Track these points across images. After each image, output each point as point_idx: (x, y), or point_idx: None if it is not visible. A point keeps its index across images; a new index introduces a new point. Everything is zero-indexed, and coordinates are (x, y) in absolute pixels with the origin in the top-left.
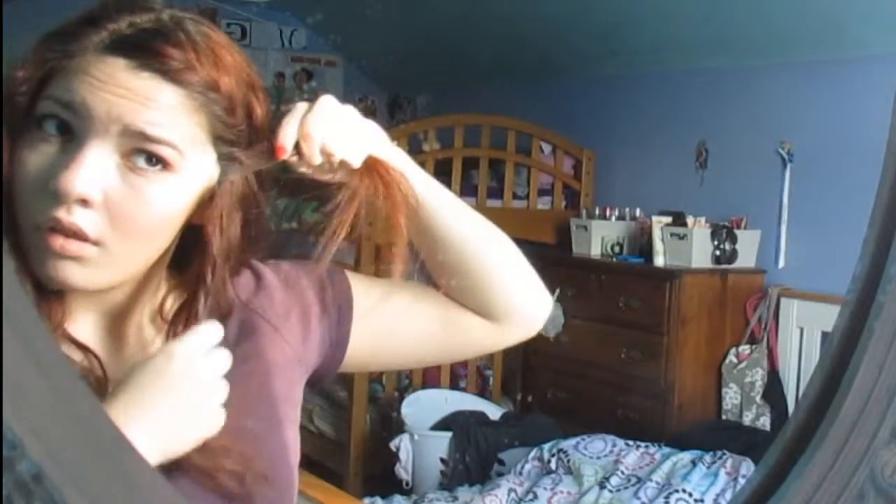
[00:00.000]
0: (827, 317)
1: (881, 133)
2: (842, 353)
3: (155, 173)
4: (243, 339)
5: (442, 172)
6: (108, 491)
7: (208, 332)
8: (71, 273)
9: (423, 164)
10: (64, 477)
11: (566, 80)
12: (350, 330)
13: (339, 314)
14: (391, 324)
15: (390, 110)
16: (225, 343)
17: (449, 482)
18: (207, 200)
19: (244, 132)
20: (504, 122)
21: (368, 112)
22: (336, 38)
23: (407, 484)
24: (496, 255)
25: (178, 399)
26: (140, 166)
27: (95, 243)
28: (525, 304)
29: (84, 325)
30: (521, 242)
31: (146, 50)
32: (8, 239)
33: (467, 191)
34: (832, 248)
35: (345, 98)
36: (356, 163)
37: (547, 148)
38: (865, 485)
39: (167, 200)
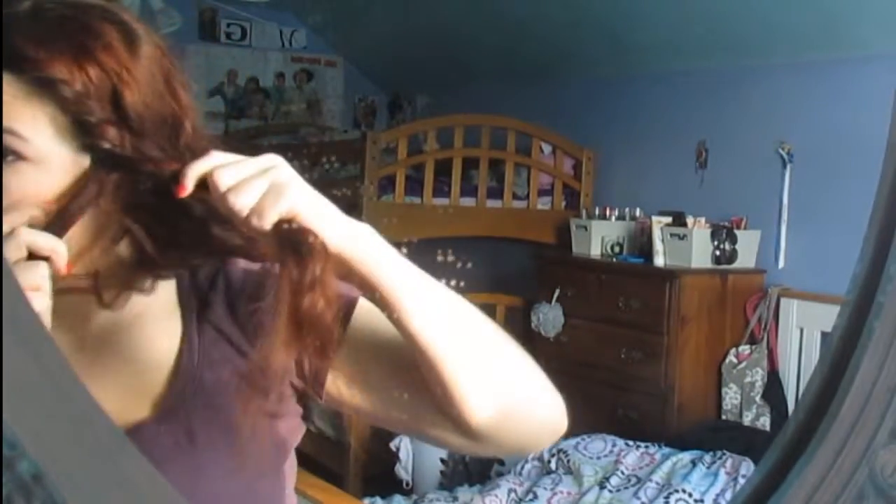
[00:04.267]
0: (827, 317)
1: (881, 133)
2: (842, 353)
3: (10, 163)
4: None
5: (442, 172)
6: (108, 491)
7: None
8: None
9: (423, 164)
10: (64, 477)
11: (566, 80)
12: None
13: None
14: (371, 371)
15: (390, 110)
16: (217, 336)
17: (449, 482)
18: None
19: (109, 119)
20: (504, 122)
21: (368, 112)
22: (336, 39)
23: (407, 484)
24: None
25: None
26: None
27: None
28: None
29: None
30: (521, 242)
31: None
32: None
33: (467, 191)
34: (832, 248)
35: (345, 98)
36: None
37: (547, 148)
38: (865, 485)
39: (26, 189)
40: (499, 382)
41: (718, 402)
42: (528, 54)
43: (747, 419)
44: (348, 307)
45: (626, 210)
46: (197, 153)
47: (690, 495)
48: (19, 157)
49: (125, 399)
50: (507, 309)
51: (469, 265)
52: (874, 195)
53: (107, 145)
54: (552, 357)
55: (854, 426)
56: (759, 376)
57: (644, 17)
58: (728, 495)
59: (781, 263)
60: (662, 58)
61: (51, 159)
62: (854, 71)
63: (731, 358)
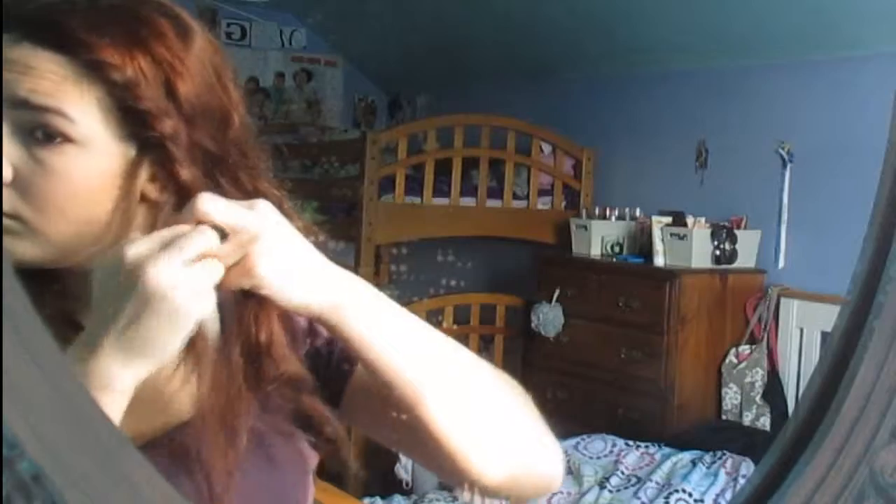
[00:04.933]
0: (827, 317)
1: (881, 133)
2: (842, 353)
3: (58, 145)
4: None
5: (442, 172)
6: (108, 491)
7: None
8: (11, 247)
9: (423, 164)
10: (64, 477)
11: (566, 80)
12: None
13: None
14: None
15: (390, 110)
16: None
17: None
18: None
19: (159, 108)
20: (504, 122)
21: (368, 111)
22: (336, 38)
23: (407, 484)
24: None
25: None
26: (43, 139)
27: (15, 217)
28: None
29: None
30: (521, 242)
31: (25, 22)
32: None
33: (467, 191)
34: (832, 248)
35: (345, 98)
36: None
37: (547, 148)
38: (865, 485)
39: (73, 171)
40: (506, 448)
41: (718, 402)
42: (528, 54)
43: (747, 419)
44: (341, 375)
45: (626, 210)
46: (243, 147)
47: (690, 495)
48: (66, 139)
49: (173, 395)
50: (507, 309)
51: (469, 265)
52: (874, 195)
53: (154, 134)
54: (552, 357)
55: (854, 426)
56: (759, 376)
57: (644, 17)
58: (728, 495)
59: (781, 263)
60: (662, 58)
61: (96, 143)
62: (854, 71)
63: (731, 358)
